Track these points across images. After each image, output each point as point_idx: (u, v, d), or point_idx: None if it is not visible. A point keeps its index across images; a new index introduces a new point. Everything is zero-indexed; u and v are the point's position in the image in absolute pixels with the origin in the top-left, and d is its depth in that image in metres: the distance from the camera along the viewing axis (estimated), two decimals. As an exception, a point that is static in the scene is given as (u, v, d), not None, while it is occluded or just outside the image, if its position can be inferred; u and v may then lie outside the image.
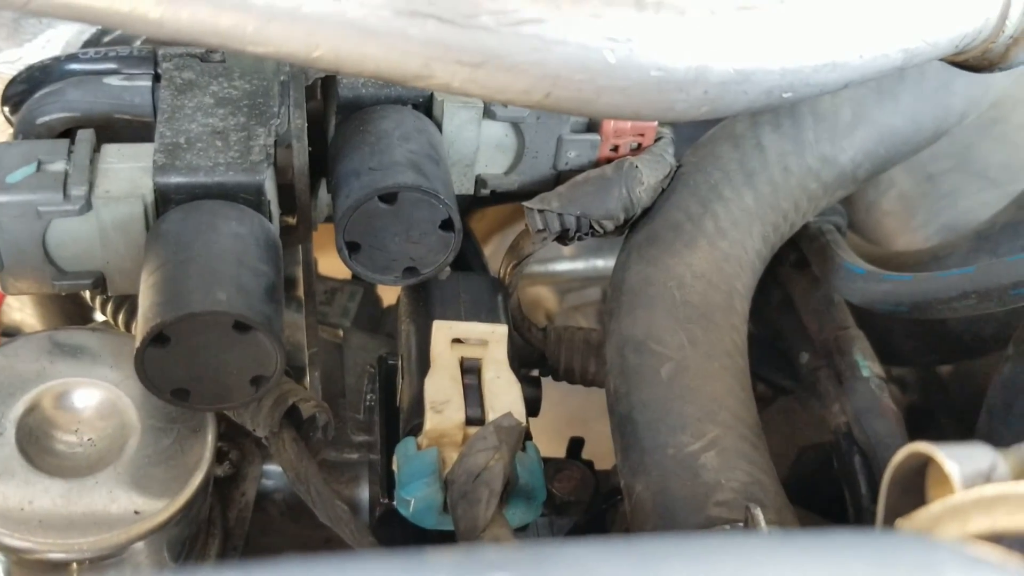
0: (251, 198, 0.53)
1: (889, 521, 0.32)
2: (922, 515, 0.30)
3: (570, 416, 0.86)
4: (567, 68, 0.40)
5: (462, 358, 0.54)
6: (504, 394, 0.53)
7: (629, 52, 0.40)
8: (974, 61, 0.50)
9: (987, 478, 0.30)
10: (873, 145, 0.63)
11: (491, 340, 0.54)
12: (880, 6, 0.44)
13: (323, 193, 0.64)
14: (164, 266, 0.48)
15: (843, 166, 0.63)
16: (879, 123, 0.63)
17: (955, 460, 0.30)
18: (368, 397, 0.64)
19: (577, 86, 0.41)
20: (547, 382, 0.64)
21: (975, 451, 0.30)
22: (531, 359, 0.64)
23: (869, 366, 0.62)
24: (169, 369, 0.48)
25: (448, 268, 0.59)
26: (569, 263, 1.07)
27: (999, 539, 0.27)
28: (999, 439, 0.57)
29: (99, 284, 0.54)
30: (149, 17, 0.37)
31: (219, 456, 0.59)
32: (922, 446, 0.31)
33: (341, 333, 0.75)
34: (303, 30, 0.39)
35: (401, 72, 0.40)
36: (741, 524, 0.46)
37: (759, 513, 0.44)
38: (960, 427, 0.76)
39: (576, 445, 0.66)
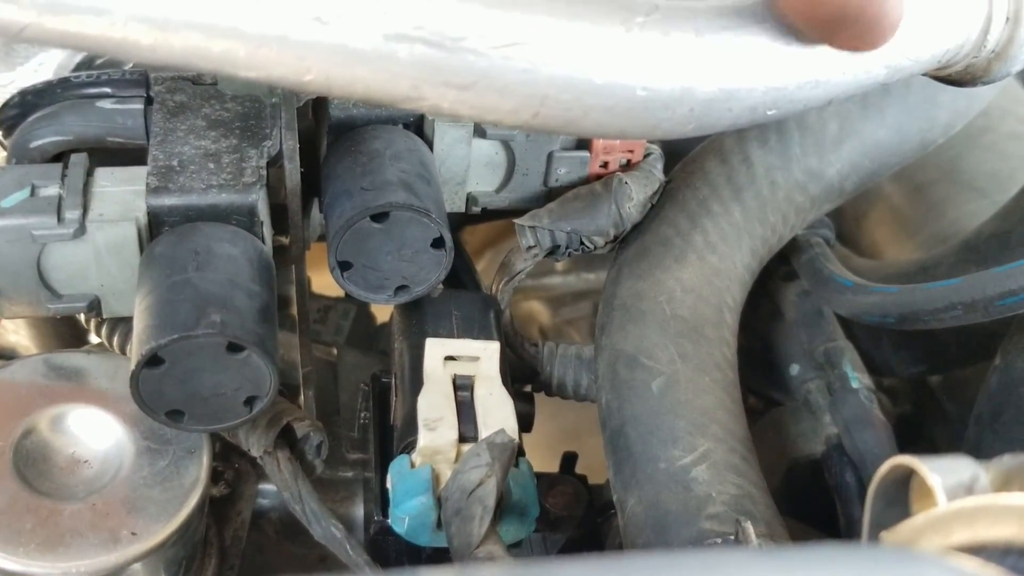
0: (244, 219, 0.53)
1: (874, 534, 0.33)
2: (906, 527, 0.30)
3: (564, 430, 0.86)
4: (555, 88, 0.41)
5: (455, 375, 0.54)
6: (497, 410, 0.53)
7: (615, 72, 0.40)
8: (957, 76, 0.51)
9: (969, 490, 0.30)
10: (859, 158, 0.64)
11: (483, 357, 0.55)
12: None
13: (316, 212, 0.64)
14: (158, 288, 0.48)
15: (830, 179, 0.63)
16: (865, 136, 0.63)
17: (938, 473, 0.30)
18: (362, 415, 0.65)
19: (565, 106, 0.41)
20: (540, 396, 0.65)
21: (957, 463, 0.31)
22: (524, 374, 0.65)
23: (859, 377, 0.63)
24: (164, 391, 0.48)
25: (441, 286, 0.59)
26: (561, 277, 1.08)
27: (980, 550, 0.27)
28: (988, 448, 0.58)
29: (94, 307, 0.54)
30: (142, 44, 0.38)
31: (215, 476, 0.59)
32: (906, 459, 0.32)
33: (335, 351, 0.75)
34: (294, 55, 0.39)
35: (391, 95, 0.41)
36: (732, 537, 0.46)
37: (749, 527, 0.44)
38: (952, 436, 0.76)
39: (569, 460, 0.67)
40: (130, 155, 0.58)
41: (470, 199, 0.64)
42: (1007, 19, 0.48)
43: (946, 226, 0.86)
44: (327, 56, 0.39)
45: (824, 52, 0.43)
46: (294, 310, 0.70)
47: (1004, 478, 0.30)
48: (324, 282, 0.71)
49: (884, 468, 0.32)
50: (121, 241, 0.52)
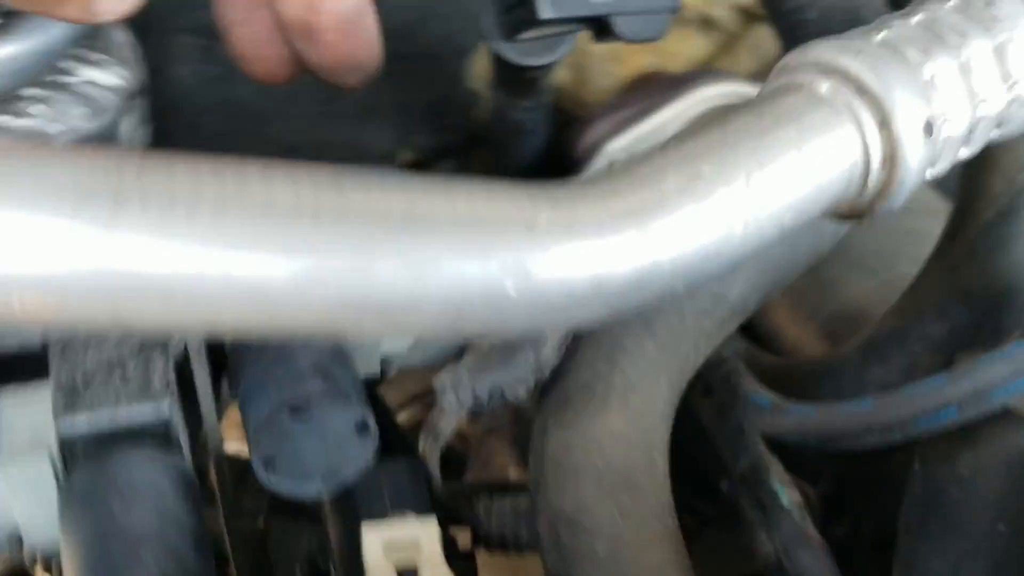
0: (160, 435, 0.52)
1: None
2: None
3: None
4: (470, 306, 0.41)
5: (398, 566, 0.53)
6: (445, 597, 0.53)
7: (528, 284, 0.41)
8: (842, 215, 0.53)
9: None
10: (758, 277, 0.66)
11: (424, 540, 0.54)
12: (752, 194, 0.46)
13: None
14: (86, 538, 0.46)
15: (733, 301, 0.65)
16: (761, 258, 0.65)
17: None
18: (303, 602, 0.63)
19: (482, 318, 0.41)
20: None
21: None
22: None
23: (788, 493, 0.64)
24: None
25: (367, 458, 0.58)
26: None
27: None
28: (919, 556, 0.59)
29: (16, 544, 0.52)
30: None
31: None
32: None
33: (260, 520, 0.73)
34: (204, 301, 0.39)
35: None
36: None
37: None
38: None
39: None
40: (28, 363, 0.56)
41: (384, 361, 0.64)
42: (883, 161, 0.50)
43: (843, 306, 0.88)
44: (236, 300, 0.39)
45: (721, 227, 0.45)
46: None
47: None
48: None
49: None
50: (35, 476, 0.50)
